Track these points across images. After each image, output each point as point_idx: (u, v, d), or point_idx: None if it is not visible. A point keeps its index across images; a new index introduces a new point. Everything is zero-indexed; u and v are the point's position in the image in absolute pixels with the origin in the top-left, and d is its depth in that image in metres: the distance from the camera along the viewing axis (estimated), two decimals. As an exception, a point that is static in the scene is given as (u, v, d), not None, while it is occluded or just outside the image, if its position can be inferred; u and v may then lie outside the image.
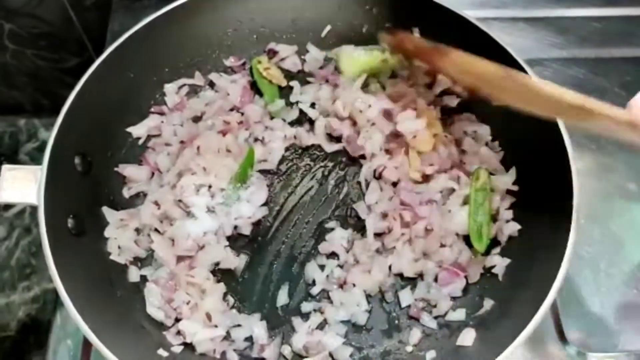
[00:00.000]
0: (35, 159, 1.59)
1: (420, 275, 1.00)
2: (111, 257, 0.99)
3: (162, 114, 1.13)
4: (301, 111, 1.15)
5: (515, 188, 1.03)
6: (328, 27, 1.19)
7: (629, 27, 1.31)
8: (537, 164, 0.99)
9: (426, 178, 1.04)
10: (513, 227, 1.00)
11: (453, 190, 1.03)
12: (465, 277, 0.98)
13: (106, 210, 1.02)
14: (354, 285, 0.98)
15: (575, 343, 0.98)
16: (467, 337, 0.92)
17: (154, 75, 1.13)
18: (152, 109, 1.13)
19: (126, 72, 1.08)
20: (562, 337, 0.99)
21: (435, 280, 0.99)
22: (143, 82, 1.12)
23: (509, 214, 1.02)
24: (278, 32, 1.19)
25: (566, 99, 0.83)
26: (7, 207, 1.44)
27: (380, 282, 0.98)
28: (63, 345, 1.00)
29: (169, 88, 1.14)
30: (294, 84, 1.17)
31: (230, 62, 1.18)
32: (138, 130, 1.10)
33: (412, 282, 1.00)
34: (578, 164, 0.92)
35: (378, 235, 1.01)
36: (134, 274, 0.99)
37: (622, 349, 0.98)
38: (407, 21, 1.12)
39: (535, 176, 1.00)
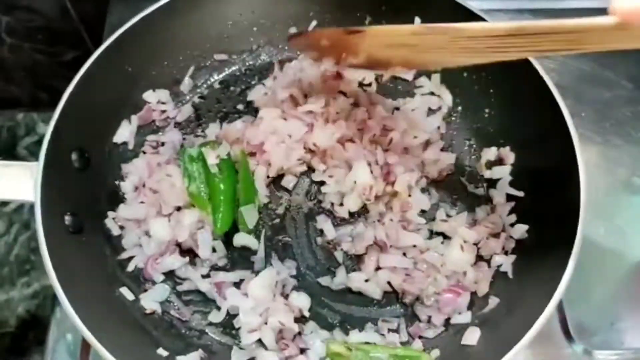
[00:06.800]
0: (34, 154, 1.57)
1: (417, 298, 0.96)
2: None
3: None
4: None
5: (521, 194, 1.02)
6: (329, 19, 1.17)
7: (636, 18, 1.29)
8: (543, 160, 0.98)
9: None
10: (521, 229, 0.98)
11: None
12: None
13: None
14: None
15: (581, 341, 0.97)
16: (472, 336, 0.91)
17: (152, 69, 1.12)
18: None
19: (124, 65, 1.07)
20: (568, 335, 0.97)
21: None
22: (141, 76, 1.10)
23: (512, 219, 1.00)
24: (279, 24, 1.17)
25: (528, 29, 0.74)
26: (5, 202, 1.43)
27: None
28: (62, 341, 0.99)
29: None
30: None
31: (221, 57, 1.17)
32: (119, 138, 1.08)
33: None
34: (583, 158, 0.91)
35: None
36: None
37: (628, 347, 0.97)
38: (409, 11, 1.10)
39: (542, 173, 0.99)
